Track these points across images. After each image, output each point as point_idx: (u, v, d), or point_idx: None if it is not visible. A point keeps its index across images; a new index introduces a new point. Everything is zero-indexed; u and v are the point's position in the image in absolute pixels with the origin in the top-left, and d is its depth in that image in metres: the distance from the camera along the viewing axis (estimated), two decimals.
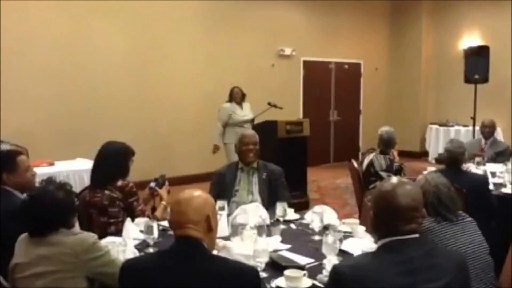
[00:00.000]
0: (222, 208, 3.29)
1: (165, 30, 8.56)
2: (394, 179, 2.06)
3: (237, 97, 7.61)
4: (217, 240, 2.81)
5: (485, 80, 8.80)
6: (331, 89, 11.14)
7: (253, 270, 2.01)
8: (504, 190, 4.64)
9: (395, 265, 1.85)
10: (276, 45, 10.07)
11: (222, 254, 2.46)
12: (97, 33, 7.84)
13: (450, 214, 2.75)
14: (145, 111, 8.36)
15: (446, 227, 2.71)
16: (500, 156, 6.04)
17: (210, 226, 2.05)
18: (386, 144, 4.95)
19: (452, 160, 4.28)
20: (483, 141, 6.45)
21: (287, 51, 10.18)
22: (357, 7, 11.23)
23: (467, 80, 8.96)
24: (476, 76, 8.78)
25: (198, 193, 2.08)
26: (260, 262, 2.47)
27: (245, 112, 7.62)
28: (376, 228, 2.02)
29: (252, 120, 7.52)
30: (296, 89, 10.52)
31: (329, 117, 11.13)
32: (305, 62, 10.57)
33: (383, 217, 1.97)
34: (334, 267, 1.95)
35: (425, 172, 5.06)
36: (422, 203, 2.01)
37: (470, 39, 10.93)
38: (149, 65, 8.40)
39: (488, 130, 6.43)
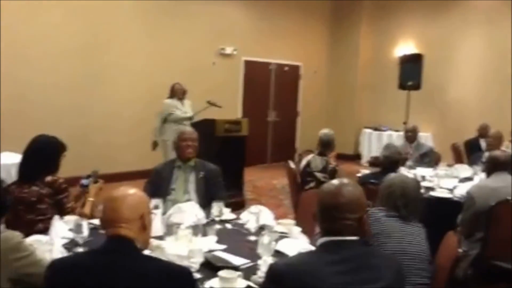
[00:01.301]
0: (157, 207, 3.21)
1: (107, 25, 8.32)
2: (338, 180, 2.07)
3: (178, 93, 7.52)
4: (150, 240, 2.75)
5: (418, 86, 9.14)
6: (270, 90, 11.20)
7: (186, 271, 1.96)
8: (433, 193, 4.80)
9: (333, 264, 1.86)
10: (218, 43, 10.02)
11: (155, 254, 2.40)
12: (37, 23, 7.50)
13: (405, 212, 2.83)
14: (82, 104, 8.08)
15: (395, 222, 2.79)
16: (425, 157, 6.33)
17: (144, 225, 1.99)
18: (324, 146, 5.02)
19: (390, 165, 4.39)
20: (408, 145, 6.74)
21: (228, 50, 10.15)
22: (299, 10, 11.35)
23: (401, 86, 9.28)
24: (410, 83, 9.11)
25: (132, 191, 2.02)
26: (194, 263, 2.43)
27: (186, 109, 7.54)
28: (319, 227, 2.04)
29: (191, 118, 7.44)
30: (236, 89, 10.51)
31: (268, 117, 11.20)
32: (246, 62, 10.57)
33: (323, 216, 1.98)
34: (271, 266, 1.94)
35: (358, 174, 5.21)
36: (364, 205, 2.03)
37: (406, 46, 11.30)
38: (89, 59, 8.12)
39: (411, 134, 6.76)
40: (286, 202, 7.39)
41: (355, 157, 11.74)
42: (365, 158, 11.41)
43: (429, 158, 6.24)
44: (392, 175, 3.08)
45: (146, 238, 2.06)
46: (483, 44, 10.47)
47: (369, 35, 12.05)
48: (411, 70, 9.18)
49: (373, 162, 10.65)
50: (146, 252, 2.55)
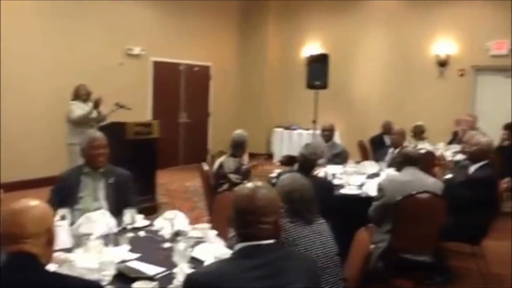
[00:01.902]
0: (64, 217, 3.04)
1: (10, 24, 7.82)
2: (251, 184, 2.04)
3: (82, 94, 7.19)
4: (58, 253, 2.59)
5: (325, 86, 9.37)
6: (180, 91, 11.06)
7: (93, 286, 1.86)
8: (343, 190, 4.94)
9: (252, 270, 1.84)
10: (124, 43, 9.73)
11: (64, 268, 2.26)
12: None
13: (309, 215, 2.84)
14: None
15: (301, 227, 2.80)
16: (337, 157, 6.51)
17: (50, 240, 1.86)
18: (236, 147, 5.00)
19: (305, 164, 4.44)
20: (323, 143, 6.87)
21: (136, 50, 9.89)
22: (207, 10, 11.30)
23: (309, 85, 9.47)
24: (317, 82, 9.32)
25: (35, 203, 1.88)
26: (106, 275, 2.31)
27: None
28: (235, 232, 2.00)
29: (101, 120, 7.13)
30: (145, 90, 10.26)
31: (179, 119, 11.05)
32: (154, 62, 10.36)
33: (238, 221, 1.94)
34: (188, 276, 1.88)
35: (271, 174, 5.25)
36: (279, 207, 2.02)
37: (312, 46, 11.60)
38: None
39: (328, 134, 6.90)
40: (200, 204, 7.32)
41: (267, 157, 11.88)
42: (277, 157, 11.59)
43: (341, 159, 6.42)
44: (284, 179, 3.02)
45: (50, 253, 1.93)
46: (384, 43, 10.98)
47: (277, 35, 12.24)
48: (318, 70, 9.39)
49: (285, 161, 10.87)
50: (52, 266, 2.40)
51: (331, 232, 2.91)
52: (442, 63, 10.29)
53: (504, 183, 5.03)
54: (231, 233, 2.04)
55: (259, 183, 2.03)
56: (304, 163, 4.42)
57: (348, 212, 4.51)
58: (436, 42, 10.35)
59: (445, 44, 10.26)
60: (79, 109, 7.04)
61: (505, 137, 7.75)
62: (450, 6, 10.14)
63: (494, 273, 4.86)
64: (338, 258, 2.84)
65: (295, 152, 5.03)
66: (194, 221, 4.20)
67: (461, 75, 10.17)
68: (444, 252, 4.79)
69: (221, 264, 1.98)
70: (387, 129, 8.41)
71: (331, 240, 2.87)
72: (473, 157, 4.89)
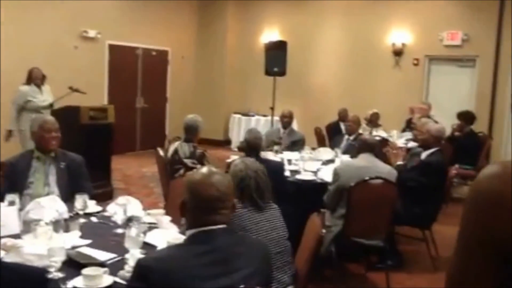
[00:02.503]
0: (12, 203, 2.96)
1: None
2: (204, 169, 2.02)
3: (36, 79, 6.99)
4: (6, 240, 2.53)
5: (283, 73, 9.41)
6: (138, 75, 10.89)
7: (40, 273, 1.82)
8: (298, 176, 4.99)
9: (203, 255, 1.84)
10: (79, 26, 9.49)
11: (11, 255, 2.21)
12: None
13: (262, 201, 2.86)
14: None
15: (253, 213, 2.81)
16: (295, 145, 6.56)
17: None
18: (189, 132, 4.98)
19: (251, 148, 4.49)
20: (281, 130, 6.91)
21: (91, 33, 9.66)
22: None
23: (267, 72, 9.49)
24: (275, 69, 9.35)
25: None
26: (55, 262, 2.26)
27: (45, 97, 7.05)
28: (185, 218, 1.99)
29: (52, 105, 6.98)
30: (100, 74, 10.05)
31: (136, 104, 10.89)
32: (110, 46, 10.15)
33: (191, 207, 1.94)
34: (138, 261, 1.87)
35: (228, 160, 5.25)
36: (232, 193, 2.02)
37: (271, 33, 11.61)
38: None
39: (287, 120, 6.93)
40: (157, 190, 7.25)
41: (225, 143, 11.87)
42: (235, 143, 11.59)
43: (298, 147, 6.48)
44: (238, 164, 2.99)
45: None
46: (342, 32, 11.08)
47: (236, 21, 12.18)
48: (276, 57, 9.42)
49: (242, 148, 10.89)
50: (1, 253, 2.35)
51: (282, 217, 2.94)
52: (398, 52, 10.47)
53: (453, 170, 5.19)
54: (183, 219, 2.02)
55: (213, 169, 2.03)
56: (250, 147, 4.48)
57: (304, 198, 4.58)
58: (392, 31, 10.52)
59: (400, 33, 10.44)
60: (32, 95, 6.87)
61: (455, 128, 7.95)
62: None
63: (443, 257, 5.02)
64: (288, 243, 2.87)
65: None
66: (150, 206, 4.17)
67: (416, 64, 10.38)
68: (395, 236, 4.93)
69: (172, 249, 1.98)
70: (343, 116, 8.52)
71: (282, 225, 2.89)
72: (424, 144, 5.03)
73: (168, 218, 3.04)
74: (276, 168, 4.43)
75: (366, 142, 4.46)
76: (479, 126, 8.77)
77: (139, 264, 1.83)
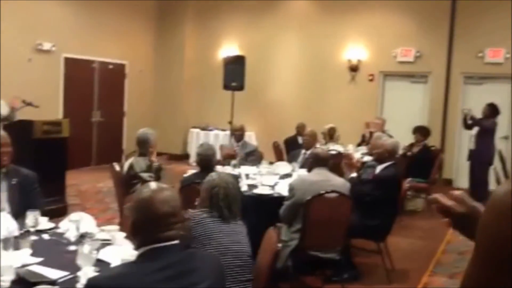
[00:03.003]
0: None
1: None
2: (153, 185, 2.02)
3: None
4: None
5: (241, 87, 9.46)
6: (94, 89, 10.73)
7: None
8: (256, 190, 5.01)
9: (156, 272, 1.83)
10: (34, 38, 9.30)
11: None
12: None
13: (228, 213, 2.88)
14: None
15: (217, 223, 2.83)
16: (250, 155, 6.63)
17: None
18: (141, 146, 4.95)
19: (204, 163, 4.49)
20: (235, 143, 6.97)
21: (46, 46, 9.48)
22: (123, 7, 11.04)
23: (226, 86, 9.52)
24: (234, 84, 9.38)
25: None
26: (4, 281, 2.20)
27: None
28: (135, 236, 1.97)
29: (7, 119, 6.80)
30: (56, 87, 9.86)
31: (92, 117, 10.72)
32: (66, 59, 9.98)
33: (141, 225, 1.92)
34: (89, 281, 1.84)
35: (185, 175, 5.23)
36: (180, 208, 2.02)
37: (229, 48, 11.66)
38: None
39: (239, 133, 7.02)
40: (113, 205, 7.13)
41: (184, 157, 11.80)
42: (193, 157, 11.53)
43: (254, 157, 6.54)
44: (213, 175, 3.11)
45: None
46: (299, 48, 11.24)
47: (195, 35, 12.18)
48: (234, 71, 9.46)
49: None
50: None
51: (246, 235, 2.97)
52: (354, 68, 10.70)
53: (407, 183, 5.32)
54: (133, 237, 2.00)
55: (162, 185, 2.03)
56: (203, 161, 4.49)
57: (261, 212, 4.60)
58: (348, 48, 10.75)
59: (356, 50, 10.68)
60: None
61: (406, 148, 8.10)
62: (361, 13, 10.56)
63: (398, 269, 5.12)
64: (250, 259, 2.89)
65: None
66: (106, 222, 4.11)
67: (371, 80, 10.63)
68: (350, 249, 5.00)
69: (125, 267, 1.95)
70: (301, 130, 8.62)
71: (245, 241, 2.92)
72: (379, 159, 5.14)
73: (123, 234, 3.00)
74: None
75: (319, 157, 4.51)
76: (432, 141, 9.02)
77: (90, 284, 1.80)
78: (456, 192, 1.25)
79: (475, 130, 8.22)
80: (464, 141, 9.40)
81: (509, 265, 0.85)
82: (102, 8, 10.54)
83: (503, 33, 9.28)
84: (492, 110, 8.01)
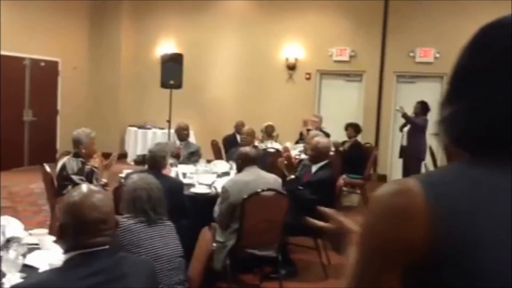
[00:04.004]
0: None
1: None
2: (84, 189, 1.96)
3: None
4: None
5: (179, 85, 9.36)
6: (25, 87, 10.32)
7: None
8: (193, 190, 4.97)
9: (85, 279, 1.77)
10: None
11: None
12: None
13: (154, 215, 2.82)
14: None
15: (145, 227, 2.77)
16: (194, 155, 6.58)
17: None
18: (75, 146, 4.81)
19: (153, 163, 4.41)
20: (178, 142, 6.88)
21: None
22: (55, 2, 10.67)
23: (163, 85, 9.39)
24: (172, 82, 9.27)
25: None
26: None
27: None
28: (62, 240, 1.91)
29: None
30: None
31: (23, 117, 10.30)
32: None
33: (69, 229, 1.86)
34: None
35: (121, 175, 5.13)
36: (112, 213, 1.97)
37: (167, 46, 11.51)
38: None
39: (186, 133, 6.94)
40: (46, 207, 6.89)
41: (121, 156, 11.55)
42: (131, 156, 11.34)
43: (197, 157, 6.50)
44: (134, 177, 3.04)
45: None
46: (237, 45, 11.26)
47: (131, 32, 11.95)
48: (172, 69, 9.34)
49: (139, 161, 10.67)
50: None
51: (176, 235, 2.93)
52: (291, 67, 10.83)
53: (341, 180, 5.44)
54: (60, 242, 1.93)
55: (94, 188, 1.97)
56: (153, 161, 4.41)
57: (199, 211, 4.57)
58: (286, 46, 10.86)
59: (293, 49, 10.81)
60: None
61: (338, 144, 8.30)
62: (298, 13, 10.69)
63: (334, 263, 5.23)
64: (182, 260, 2.86)
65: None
66: (38, 225, 3.97)
67: (308, 78, 10.79)
68: (288, 246, 5.06)
69: (50, 274, 1.88)
70: (239, 129, 8.63)
71: (175, 243, 2.88)
72: (314, 159, 5.22)
73: (52, 238, 2.90)
74: (174, 187, 4.36)
75: (248, 156, 4.51)
76: (367, 138, 9.28)
77: None
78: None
79: (407, 127, 8.51)
80: (397, 138, 9.71)
81: (393, 264, 0.88)
82: (32, 3, 10.13)
83: (433, 34, 9.67)
84: (423, 108, 8.31)
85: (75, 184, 4.41)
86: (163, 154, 4.49)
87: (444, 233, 0.85)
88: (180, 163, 6.29)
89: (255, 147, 6.49)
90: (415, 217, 0.86)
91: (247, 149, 4.72)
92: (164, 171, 4.63)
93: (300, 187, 4.97)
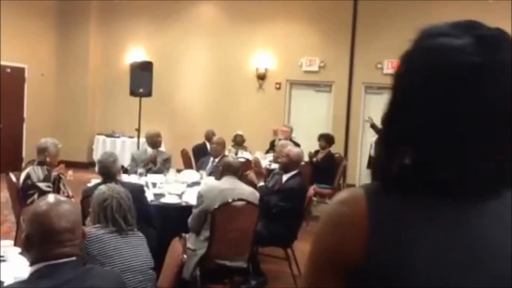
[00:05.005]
0: None
1: None
2: (51, 198, 1.92)
3: None
4: None
5: (149, 93, 9.28)
6: None
7: None
8: (163, 200, 4.92)
9: None
10: None
11: None
12: None
13: (125, 225, 2.79)
14: None
15: (116, 237, 2.74)
16: (167, 162, 6.56)
17: None
18: (40, 154, 4.72)
19: (105, 171, 4.34)
20: (149, 149, 6.77)
21: None
22: (21, 7, 10.46)
23: (132, 93, 9.30)
24: (141, 90, 9.18)
25: None
26: None
27: None
28: (28, 251, 1.86)
29: None
30: None
31: None
32: None
33: (35, 240, 1.82)
34: None
35: (89, 184, 5.05)
36: (80, 223, 1.93)
37: (136, 53, 11.41)
38: None
39: (160, 140, 6.87)
40: (11, 217, 6.72)
41: (89, 165, 11.37)
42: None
43: (170, 164, 6.47)
44: (102, 188, 3.01)
45: None
46: (208, 54, 11.25)
47: (99, 39, 11.82)
48: (141, 77, 9.25)
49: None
50: None
51: (147, 246, 2.90)
52: (261, 76, 10.87)
53: (311, 190, 5.48)
54: (26, 252, 1.89)
55: (61, 198, 1.94)
56: (105, 169, 4.34)
57: (168, 221, 4.52)
58: (256, 56, 10.91)
59: (263, 58, 10.86)
60: None
61: (312, 154, 8.35)
62: (268, 23, 10.76)
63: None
64: (153, 273, 2.83)
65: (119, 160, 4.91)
66: (3, 236, 3.86)
67: (278, 88, 10.86)
68: (258, 256, 5.05)
69: (19, 286, 1.84)
70: (209, 138, 8.59)
71: (146, 253, 2.86)
72: (284, 168, 5.25)
73: (18, 250, 2.83)
74: (134, 191, 4.31)
75: (231, 165, 4.54)
76: (336, 148, 9.35)
77: None
78: None
79: (375, 137, 8.62)
80: (366, 148, 9.84)
81: (334, 269, 0.92)
82: None
83: (400, 46, 9.71)
84: None
85: (41, 192, 4.33)
86: (112, 159, 4.41)
87: (376, 247, 0.88)
88: (156, 171, 6.22)
89: (225, 156, 6.46)
90: (357, 226, 0.89)
91: (231, 159, 4.80)
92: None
93: (271, 195, 4.99)
